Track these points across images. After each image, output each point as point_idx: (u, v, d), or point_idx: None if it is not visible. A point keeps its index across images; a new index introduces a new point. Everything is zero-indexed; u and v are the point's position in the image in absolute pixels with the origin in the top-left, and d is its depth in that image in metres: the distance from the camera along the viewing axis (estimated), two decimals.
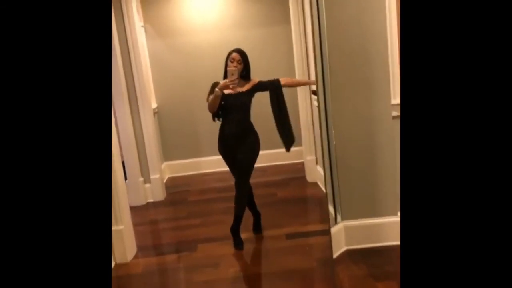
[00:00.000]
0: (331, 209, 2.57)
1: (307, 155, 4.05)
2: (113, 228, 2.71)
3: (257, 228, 2.98)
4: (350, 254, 2.48)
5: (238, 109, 2.67)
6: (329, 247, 2.40)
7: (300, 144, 4.54)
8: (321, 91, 2.42)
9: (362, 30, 2.33)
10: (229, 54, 2.66)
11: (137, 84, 3.82)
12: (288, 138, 2.80)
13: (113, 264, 2.69)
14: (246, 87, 2.70)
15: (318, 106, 2.44)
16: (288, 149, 2.82)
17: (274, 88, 2.74)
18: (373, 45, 2.34)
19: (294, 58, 3.96)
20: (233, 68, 2.56)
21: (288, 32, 4.29)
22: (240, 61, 2.63)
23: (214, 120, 2.77)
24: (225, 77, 2.69)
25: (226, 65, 2.66)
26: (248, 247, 2.80)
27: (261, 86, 2.74)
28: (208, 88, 2.72)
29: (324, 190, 3.68)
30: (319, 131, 3.72)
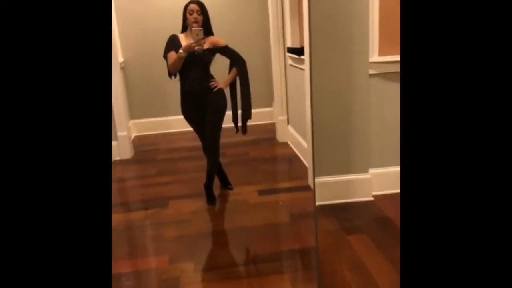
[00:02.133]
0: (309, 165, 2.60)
1: (279, 115, 4.05)
2: None
3: (227, 184, 2.98)
4: (321, 209, 2.54)
5: (197, 67, 2.56)
6: (312, 200, 2.45)
7: (271, 105, 4.53)
8: (309, 52, 2.40)
9: None
10: (187, 5, 2.51)
11: None
12: (246, 114, 2.73)
13: None
14: (207, 44, 2.56)
15: (310, 66, 2.40)
16: (244, 131, 2.76)
17: (241, 65, 2.64)
18: (353, 1, 2.31)
19: (269, 15, 3.86)
20: (199, 28, 2.42)
21: None
22: (199, 11, 2.48)
23: (170, 77, 2.66)
24: (183, 30, 2.58)
25: (185, 18, 2.54)
26: (221, 203, 2.81)
27: (226, 52, 2.63)
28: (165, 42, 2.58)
29: (295, 150, 3.73)
30: (292, 90, 3.72)
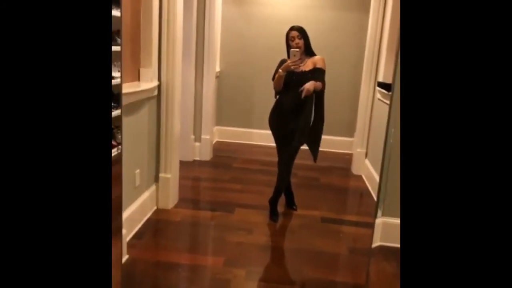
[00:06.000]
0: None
1: (358, 147, 4.01)
2: (161, 175, 2.87)
3: (293, 204, 3.03)
4: (383, 250, 2.48)
5: (296, 87, 2.65)
6: (370, 237, 2.41)
7: (352, 135, 4.51)
8: (397, 87, 2.39)
9: None
10: (288, 32, 2.68)
11: (206, 47, 3.92)
12: (314, 152, 2.82)
13: (154, 208, 2.86)
14: (309, 65, 2.67)
15: (390, 102, 2.40)
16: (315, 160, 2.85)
17: (320, 90, 2.67)
18: None
19: (366, 47, 3.88)
20: (296, 50, 2.58)
21: (364, 20, 4.19)
22: (299, 36, 2.64)
23: (276, 97, 2.81)
24: (288, 55, 2.71)
25: (288, 44, 2.69)
26: (283, 221, 2.87)
27: (317, 74, 2.65)
28: (275, 64, 2.76)
29: (368, 185, 3.66)
30: (375, 124, 3.67)
